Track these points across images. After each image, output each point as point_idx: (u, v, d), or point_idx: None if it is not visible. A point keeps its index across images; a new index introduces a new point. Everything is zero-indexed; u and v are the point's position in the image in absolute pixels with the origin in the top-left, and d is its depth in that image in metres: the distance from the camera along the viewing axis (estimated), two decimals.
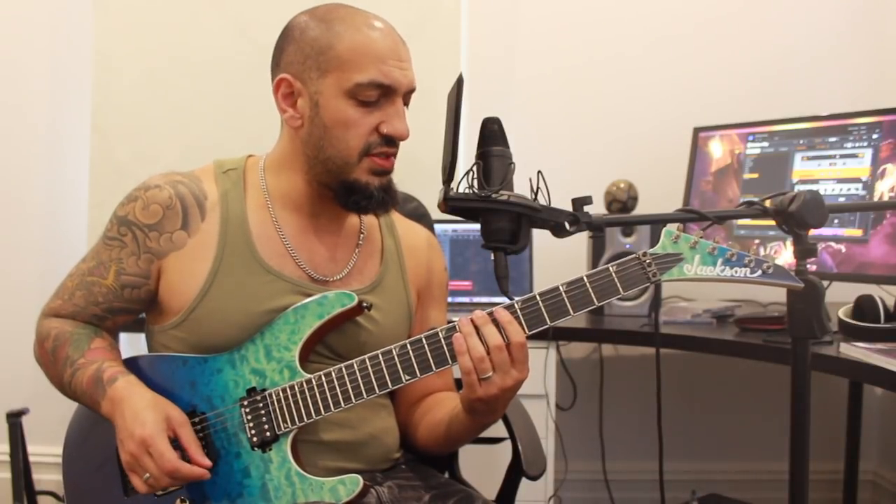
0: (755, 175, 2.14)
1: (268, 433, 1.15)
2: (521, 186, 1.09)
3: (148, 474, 1.09)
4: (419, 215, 1.58)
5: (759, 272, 1.05)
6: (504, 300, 1.09)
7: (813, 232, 1.06)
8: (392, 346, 1.13)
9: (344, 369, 1.14)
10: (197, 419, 1.18)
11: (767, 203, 1.09)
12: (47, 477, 2.38)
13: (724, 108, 2.40)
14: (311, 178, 1.22)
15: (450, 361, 1.10)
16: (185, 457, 1.11)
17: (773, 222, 1.08)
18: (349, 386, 1.14)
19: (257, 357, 1.18)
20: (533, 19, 2.60)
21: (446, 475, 1.46)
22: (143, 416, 1.11)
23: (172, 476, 1.09)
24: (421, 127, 1.82)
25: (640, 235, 2.23)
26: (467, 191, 1.08)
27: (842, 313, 1.76)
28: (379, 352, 1.13)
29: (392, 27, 1.21)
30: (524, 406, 1.55)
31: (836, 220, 1.90)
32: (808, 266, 1.06)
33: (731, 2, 2.59)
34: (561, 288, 1.08)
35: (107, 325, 1.26)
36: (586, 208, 1.08)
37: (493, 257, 1.09)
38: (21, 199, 2.55)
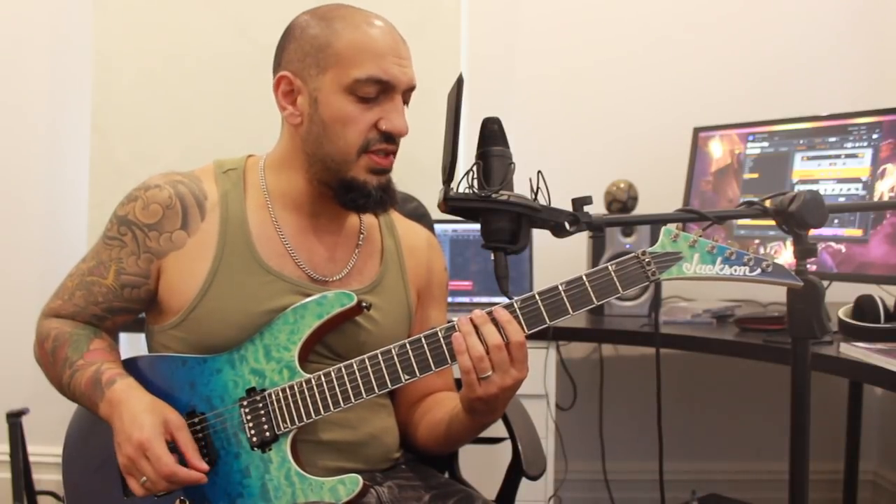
0: (755, 175, 2.14)
1: (267, 433, 1.15)
2: (521, 186, 1.09)
3: (145, 478, 1.09)
4: (419, 215, 1.58)
5: (759, 271, 1.05)
6: (504, 300, 1.09)
7: (813, 232, 1.06)
8: (391, 346, 1.13)
9: (343, 369, 1.14)
10: (196, 419, 1.18)
11: (767, 203, 1.09)
12: (47, 477, 2.38)
13: (724, 108, 2.40)
14: (310, 177, 1.22)
15: (449, 361, 1.10)
16: (183, 461, 1.11)
17: (773, 222, 1.08)
18: (349, 386, 1.14)
19: (257, 357, 1.18)
20: (533, 19, 2.60)
21: (446, 475, 1.46)
22: (141, 419, 1.11)
23: (169, 480, 1.09)
24: (421, 127, 1.82)
25: (640, 235, 2.23)
26: (467, 191, 1.08)
27: (842, 313, 1.76)
28: (378, 352, 1.13)
29: (392, 26, 1.21)
30: (524, 406, 1.55)
31: (836, 220, 1.90)
32: (808, 266, 1.06)
33: (731, 2, 2.59)
34: (560, 287, 1.08)
35: (106, 325, 1.26)
36: (586, 208, 1.08)
37: (493, 257, 1.09)
38: (21, 199, 2.55)
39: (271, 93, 1.23)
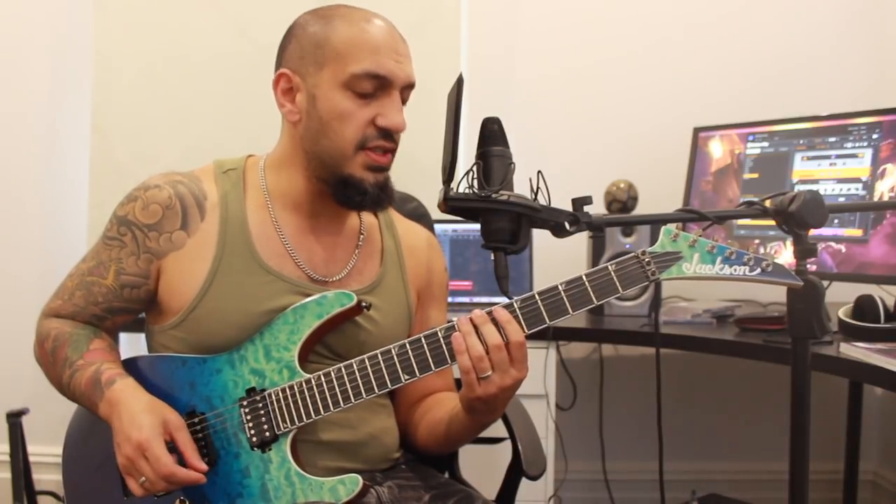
0: (755, 175, 2.14)
1: (267, 433, 1.15)
2: (521, 186, 1.09)
3: (144, 478, 1.09)
4: (419, 215, 1.58)
5: (759, 270, 1.05)
6: (504, 300, 1.09)
7: (813, 232, 1.06)
8: (391, 346, 1.12)
9: (343, 369, 1.14)
10: (196, 419, 1.18)
11: (767, 203, 1.08)
12: (47, 477, 2.38)
13: (724, 108, 2.41)
14: (309, 175, 1.22)
15: (449, 361, 1.10)
16: (183, 461, 1.11)
17: (773, 222, 1.08)
18: (348, 386, 1.14)
19: (256, 357, 1.18)
20: (533, 19, 2.60)
21: (446, 475, 1.46)
22: (140, 419, 1.11)
23: (168, 480, 1.09)
24: (421, 127, 1.82)
25: (640, 235, 2.23)
26: (467, 191, 1.08)
27: (842, 313, 1.76)
28: (378, 352, 1.13)
29: (391, 24, 1.22)
30: (524, 406, 1.54)
31: (836, 220, 1.90)
32: (808, 266, 1.06)
33: (731, 2, 2.59)
34: (560, 287, 1.08)
35: (106, 325, 1.26)
36: (586, 208, 1.08)
37: (493, 257, 1.08)
38: (21, 199, 2.55)
39: (271, 93, 1.24)
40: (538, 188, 1.07)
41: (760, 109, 2.33)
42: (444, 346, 1.10)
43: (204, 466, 1.12)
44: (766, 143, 2.13)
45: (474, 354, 1.06)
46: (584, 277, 1.08)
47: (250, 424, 1.16)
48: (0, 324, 2.46)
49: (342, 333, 1.22)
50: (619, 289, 1.07)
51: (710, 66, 2.57)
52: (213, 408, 1.18)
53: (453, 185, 1.08)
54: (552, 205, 1.08)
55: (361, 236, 1.31)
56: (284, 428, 1.15)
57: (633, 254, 1.08)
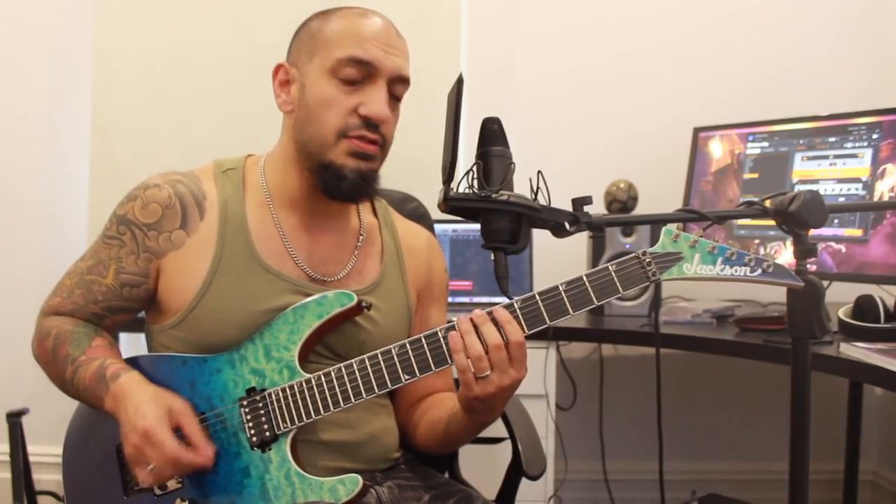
0: (755, 175, 2.14)
1: (267, 433, 1.15)
2: (521, 186, 1.09)
3: (152, 465, 1.09)
4: (419, 215, 1.58)
5: (759, 271, 1.05)
6: (504, 300, 1.09)
7: (813, 232, 1.06)
8: (391, 346, 1.12)
9: (343, 369, 1.14)
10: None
11: (767, 203, 1.08)
12: (47, 477, 2.38)
13: (724, 108, 2.41)
14: (302, 169, 1.22)
15: (449, 361, 1.10)
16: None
17: (773, 222, 1.08)
18: (349, 386, 1.13)
19: (257, 357, 1.18)
20: (533, 19, 2.60)
21: (446, 475, 1.46)
22: (145, 408, 1.11)
23: (175, 464, 1.09)
24: (421, 127, 1.83)
25: (640, 235, 2.23)
26: (467, 191, 1.08)
27: (842, 313, 1.76)
28: (378, 352, 1.13)
29: (390, 22, 1.23)
30: (524, 406, 1.54)
31: (836, 220, 1.90)
32: (808, 266, 1.06)
33: (731, 2, 2.59)
34: (560, 287, 1.08)
35: (106, 323, 1.26)
36: (586, 208, 1.08)
37: (493, 257, 1.08)
38: (21, 199, 2.55)
39: (271, 93, 1.25)
40: (538, 188, 1.07)
41: (760, 109, 2.33)
42: (444, 346, 1.10)
43: (212, 449, 1.12)
44: (766, 143, 2.13)
45: (473, 354, 1.06)
46: (584, 278, 1.07)
47: (250, 424, 1.16)
48: (0, 324, 2.47)
49: (342, 333, 1.22)
50: (620, 289, 1.07)
51: (710, 66, 2.57)
52: (213, 407, 1.18)
53: (453, 185, 1.08)
54: (552, 205, 1.08)
55: (361, 236, 1.31)
56: (284, 428, 1.15)
57: (633, 254, 1.08)
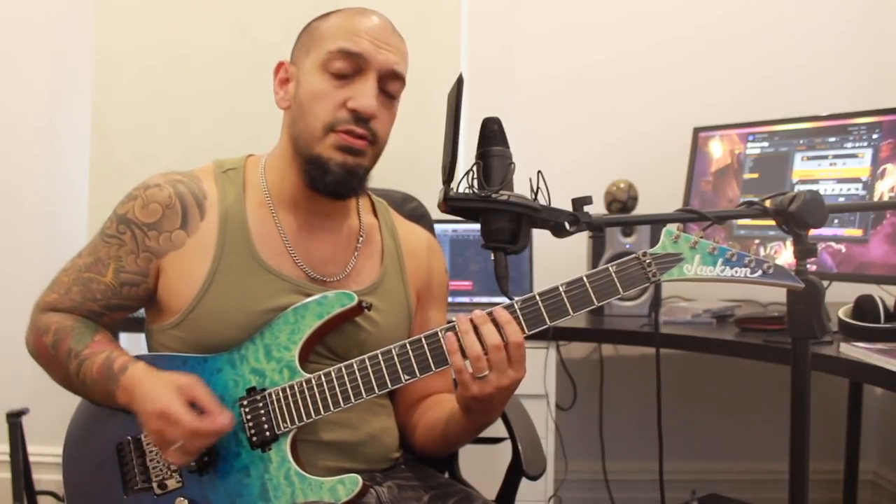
0: (755, 175, 2.14)
1: (267, 433, 1.15)
2: (521, 186, 1.09)
3: (178, 443, 1.09)
4: (419, 215, 1.58)
5: (760, 272, 1.05)
6: (504, 300, 1.09)
7: (813, 232, 1.06)
8: (392, 346, 1.12)
9: (343, 369, 1.14)
10: None
11: (767, 203, 1.08)
12: (47, 477, 2.38)
13: (724, 108, 2.41)
14: (297, 167, 1.22)
15: (449, 361, 1.10)
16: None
17: (773, 222, 1.08)
18: (349, 386, 1.13)
19: (257, 357, 1.18)
20: (533, 19, 2.60)
21: (446, 475, 1.46)
22: (155, 392, 1.11)
23: (198, 435, 1.09)
24: (421, 127, 1.83)
25: (640, 235, 2.23)
26: (467, 191, 1.08)
27: (842, 313, 1.76)
28: (379, 352, 1.13)
29: (388, 21, 1.23)
30: (524, 406, 1.54)
31: (836, 220, 1.90)
32: (808, 266, 1.06)
33: (731, 2, 2.59)
34: (560, 288, 1.08)
35: (104, 321, 1.25)
36: (586, 208, 1.08)
37: (493, 257, 1.08)
38: (21, 199, 2.55)
39: (271, 93, 1.25)
40: (538, 188, 1.07)
41: (760, 109, 2.33)
42: (444, 346, 1.10)
43: (228, 413, 1.11)
44: (766, 143, 2.13)
45: (472, 354, 1.06)
46: (584, 278, 1.07)
47: (250, 424, 1.16)
48: (0, 324, 2.47)
49: (342, 334, 1.22)
50: (620, 290, 1.07)
51: (710, 66, 2.57)
52: None
53: (453, 185, 1.08)
54: (552, 205, 1.08)
55: (361, 237, 1.31)
56: (284, 428, 1.15)
57: (634, 255, 1.08)
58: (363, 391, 1.13)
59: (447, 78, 1.15)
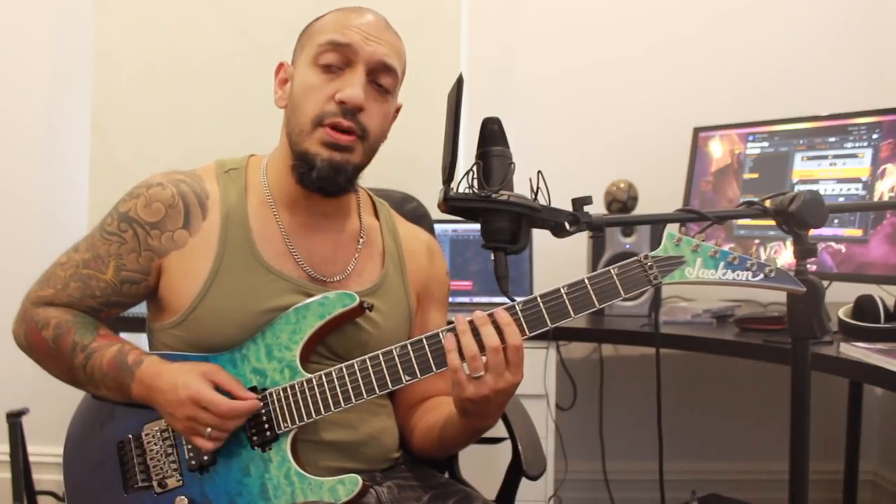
0: (755, 175, 2.14)
1: (268, 432, 1.15)
2: (521, 186, 1.09)
3: (209, 428, 1.11)
4: (419, 215, 1.58)
5: (762, 276, 1.05)
6: (504, 300, 1.09)
7: (813, 232, 1.06)
8: (392, 347, 1.13)
9: (344, 369, 1.14)
10: None
11: (767, 203, 1.08)
12: (47, 477, 2.38)
13: (724, 108, 2.41)
14: (291, 164, 1.22)
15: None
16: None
17: (773, 222, 1.08)
18: (349, 386, 1.14)
19: (258, 356, 1.18)
20: (533, 19, 2.60)
21: (446, 475, 1.46)
22: (183, 380, 1.12)
23: (232, 416, 1.11)
24: (421, 127, 1.82)
25: (640, 235, 2.23)
26: (467, 191, 1.08)
27: (842, 313, 1.76)
28: (379, 352, 1.13)
29: (383, 18, 1.23)
30: (524, 406, 1.54)
31: (836, 220, 1.90)
32: (808, 266, 1.06)
33: (731, 2, 2.59)
34: (562, 290, 1.08)
35: (101, 316, 1.25)
36: (586, 208, 1.08)
37: (493, 257, 1.08)
38: (21, 199, 2.55)
39: (271, 93, 1.26)
40: (538, 188, 1.07)
41: (760, 109, 2.33)
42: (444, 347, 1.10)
43: (254, 395, 1.14)
44: (766, 143, 2.13)
45: (469, 353, 1.06)
46: (586, 280, 1.07)
47: (251, 423, 1.16)
48: (0, 324, 2.46)
49: (343, 334, 1.22)
50: (622, 292, 1.07)
51: (710, 66, 2.57)
52: None
53: (453, 185, 1.08)
54: (552, 205, 1.08)
55: (361, 238, 1.31)
56: (285, 427, 1.15)
57: (635, 258, 1.08)
58: (364, 391, 1.13)
59: (447, 78, 1.15)
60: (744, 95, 2.52)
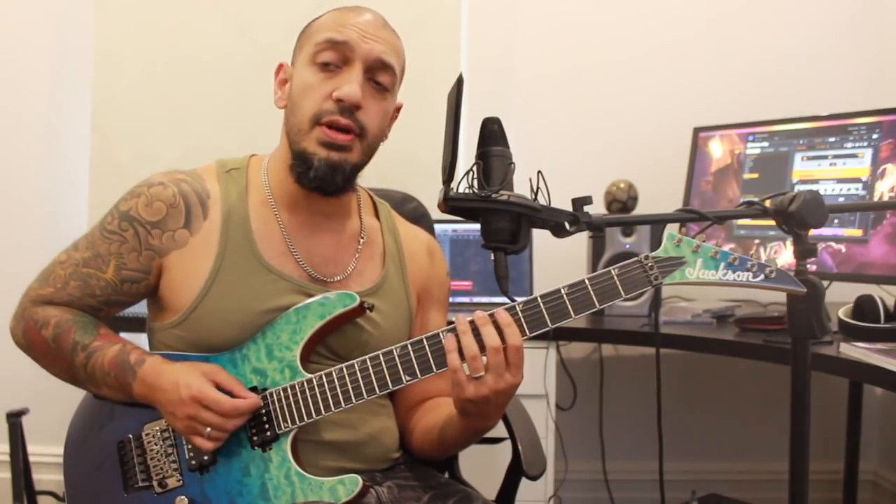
0: (755, 175, 2.14)
1: (268, 433, 1.15)
2: (521, 186, 1.09)
3: (209, 428, 1.11)
4: (419, 215, 1.58)
5: (762, 276, 1.05)
6: (504, 300, 1.09)
7: (813, 232, 1.06)
8: (393, 347, 1.13)
9: (345, 369, 1.14)
10: None
11: (767, 203, 1.09)
12: (47, 477, 2.38)
13: (724, 108, 2.41)
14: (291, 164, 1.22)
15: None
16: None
17: (773, 222, 1.08)
18: (350, 386, 1.14)
19: (258, 356, 1.18)
20: (533, 19, 2.60)
21: (446, 475, 1.46)
22: (185, 379, 1.12)
23: (234, 414, 1.11)
24: (421, 127, 1.83)
25: (640, 235, 2.23)
26: (467, 191, 1.08)
27: (842, 313, 1.76)
28: (380, 352, 1.13)
29: (381, 17, 1.23)
30: (524, 406, 1.54)
31: (836, 220, 1.90)
32: (808, 266, 1.06)
33: (731, 2, 2.59)
34: (562, 290, 1.08)
35: (101, 315, 1.25)
36: (586, 208, 1.08)
37: (493, 257, 1.08)
38: (21, 199, 2.55)
39: (271, 93, 1.26)
40: (538, 188, 1.07)
41: (760, 109, 2.33)
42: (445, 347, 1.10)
43: (255, 395, 1.14)
44: (766, 143, 2.13)
45: (469, 353, 1.06)
46: (586, 281, 1.07)
47: (251, 423, 1.16)
48: (0, 324, 2.46)
49: (343, 334, 1.22)
50: (622, 293, 1.07)
51: (710, 66, 2.57)
52: None
53: (453, 185, 1.08)
54: (552, 205, 1.08)
55: (362, 238, 1.31)
56: (285, 427, 1.15)
57: (636, 258, 1.08)
58: (364, 391, 1.13)
59: (447, 78, 1.15)
60: (744, 95, 2.52)
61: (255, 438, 1.16)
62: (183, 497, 1.16)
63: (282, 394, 1.15)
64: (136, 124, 2.47)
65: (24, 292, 1.27)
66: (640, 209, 2.30)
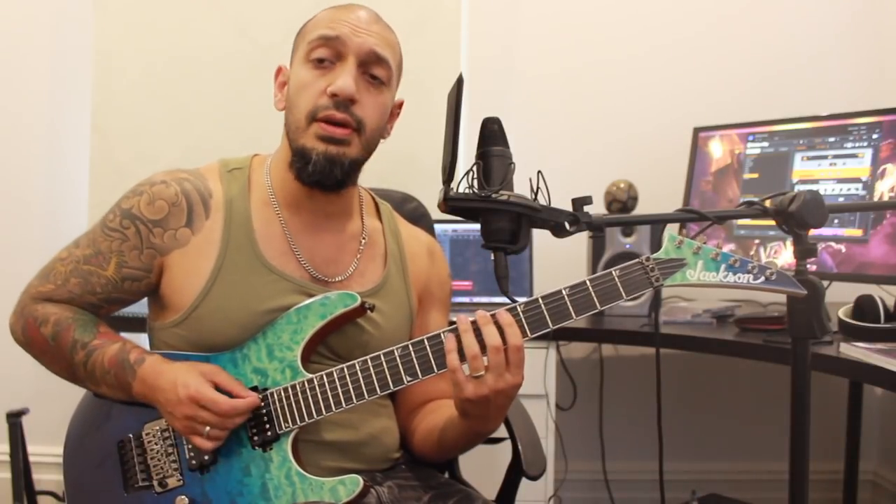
0: (755, 175, 2.14)
1: (269, 433, 1.15)
2: (521, 186, 1.09)
3: (208, 427, 1.11)
4: (419, 215, 1.58)
5: (763, 278, 1.05)
6: (504, 300, 1.09)
7: (813, 232, 1.07)
8: (394, 348, 1.13)
9: (346, 369, 1.14)
10: None
11: (767, 203, 1.09)
12: (47, 477, 2.38)
13: (724, 108, 2.41)
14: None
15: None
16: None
17: (773, 222, 1.08)
18: (350, 386, 1.14)
19: (259, 356, 1.18)
20: (533, 19, 2.60)
21: (446, 475, 1.46)
22: (183, 378, 1.13)
23: (233, 414, 1.11)
24: (421, 127, 1.83)
25: (640, 235, 2.23)
26: (467, 191, 1.08)
27: (842, 313, 1.76)
28: (381, 352, 1.13)
29: (375, 13, 1.24)
30: (524, 406, 1.55)
31: (836, 220, 1.90)
32: (808, 266, 1.06)
33: (732, 2, 2.59)
34: (563, 291, 1.08)
35: (101, 313, 1.25)
36: (586, 208, 1.08)
37: (493, 257, 1.08)
38: (21, 199, 2.55)
39: (271, 93, 1.26)
40: (538, 188, 1.07)
41: (760, 109, 2.33)
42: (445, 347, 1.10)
43: (254, 394, 1.14)
44: (766, 143, 2.13)
45: (469, 353, 1.06)
46: (587, 282, 1.07)
47: (252, 423, 1.16)
48: (0, 324, 2.46)
49: (344, 335, 1.22)
50: (623, 294, 1.07)
51: (710, 66, 2.57)
52: None
53: (453, 185, 1.08)
54: (552, 205, 1.08)
55: (363, 239, 1.31)
56: (286, 427, 1.15)
57: (637, 260, 1.08)
58: (365, 392, 1.13)
59: (447, 77, 1.15)
60: (744, 95, 2.53)
61: (255, 438, 1.16)
62: (183, 497, 1.16)
63: (282, 394, 1.15)
64: (136, 124, 2.47)
65: (24, 289, 1.26)
66: (640, 209, 2.30)
